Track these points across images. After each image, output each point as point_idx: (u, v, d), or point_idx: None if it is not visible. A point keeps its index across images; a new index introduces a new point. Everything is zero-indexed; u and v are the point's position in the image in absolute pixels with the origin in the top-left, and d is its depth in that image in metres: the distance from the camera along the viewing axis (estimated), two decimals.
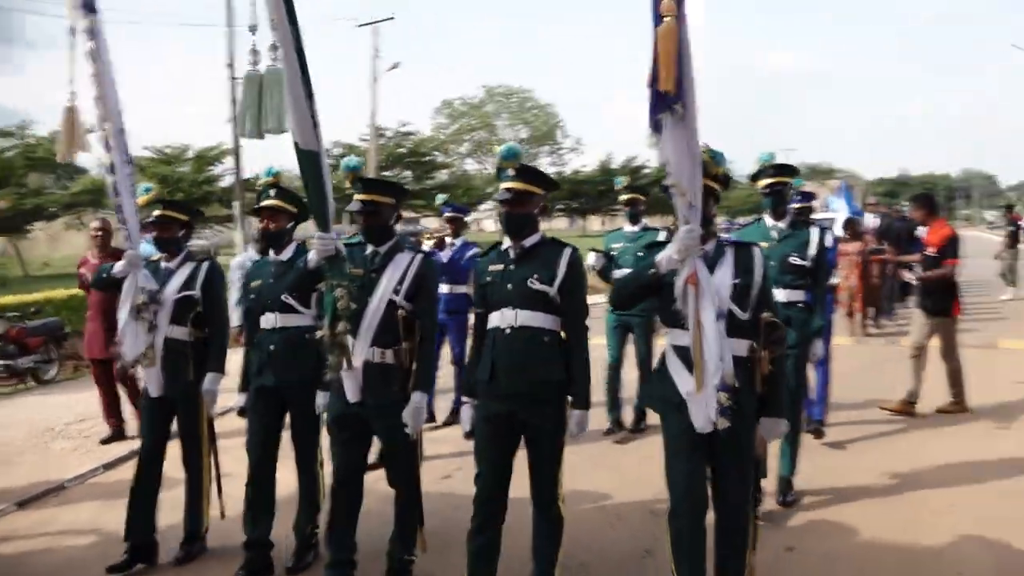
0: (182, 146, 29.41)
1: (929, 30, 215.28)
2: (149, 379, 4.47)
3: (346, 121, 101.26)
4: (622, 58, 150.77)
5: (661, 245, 3.46)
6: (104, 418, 7.12)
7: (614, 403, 6.73)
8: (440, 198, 7.91)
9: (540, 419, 3.63)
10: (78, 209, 28.33)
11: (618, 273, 6.31)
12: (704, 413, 3.22)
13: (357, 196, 3.92)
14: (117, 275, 4.45)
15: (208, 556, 4.54)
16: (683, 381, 3.33)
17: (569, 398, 3.68)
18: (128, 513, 4.41)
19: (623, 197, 6.97)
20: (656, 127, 3.14)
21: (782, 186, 5.03)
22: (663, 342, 3.58)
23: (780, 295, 4.70)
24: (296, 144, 3.51)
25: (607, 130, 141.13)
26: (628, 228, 6.91)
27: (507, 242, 3.77)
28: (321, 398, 4.17)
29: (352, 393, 3.81)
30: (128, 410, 7.06)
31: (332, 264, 3.70)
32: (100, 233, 7.08)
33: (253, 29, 3.65)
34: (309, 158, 3.57)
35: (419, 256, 4.01)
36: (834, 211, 17.02)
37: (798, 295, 4.90)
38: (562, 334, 3.67)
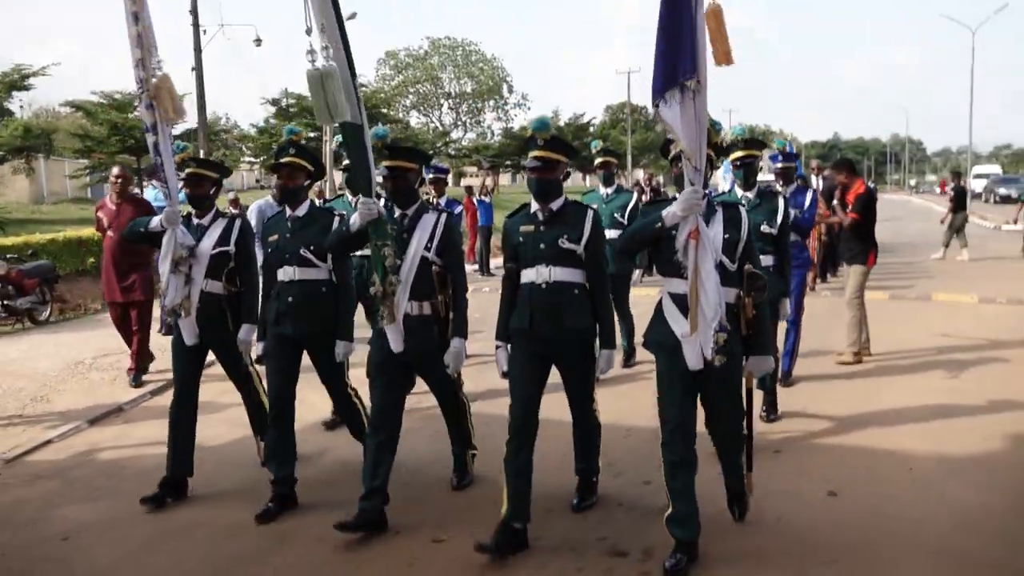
0: (132, 93, 28.85)
1: None
2: (185, 329, 4.65)
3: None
4: (568, 16, 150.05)
5: (661, 203, 3.81)
6: (130, 357, 7.30)
7: None
8: None
9: (574, 359, 4.11)
10: (27, 153, 27.73)
11: None
12: (697, 352, 3.59)
13: (384, 162, 4.21)
14: (153, 230, 4.67)
15: (235, 492, 4.75)
16: (678, 325, 3.67)
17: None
18: (168, 451, 4.62)
19: (598, 160, 7.33)
20: (660, 97, 3.42)
21: (752, 159, 5.30)
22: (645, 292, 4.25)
23: None
24: (342, 121, 3.90)
25: (553, 84, 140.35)
26: (603, 190, 7.32)
27: (535, 205, 4.09)
28: (340, 347, 4.50)
29: (396, 343, 4.15)
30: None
31: (376, 226, 4.05)
32: (119, 179, 7.38)
33: (308, 31, 3.93)
34: (354, 130, 4.00)
35: (444, 215, 4.31)
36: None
37: (768, 260, 5.12)
38: (586, 285, 4.06)
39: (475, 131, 65.21)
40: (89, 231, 13.28)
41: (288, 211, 4.58)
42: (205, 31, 20.82)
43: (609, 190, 7.27)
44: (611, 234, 6.29)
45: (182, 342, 4.66)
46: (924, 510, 4.20)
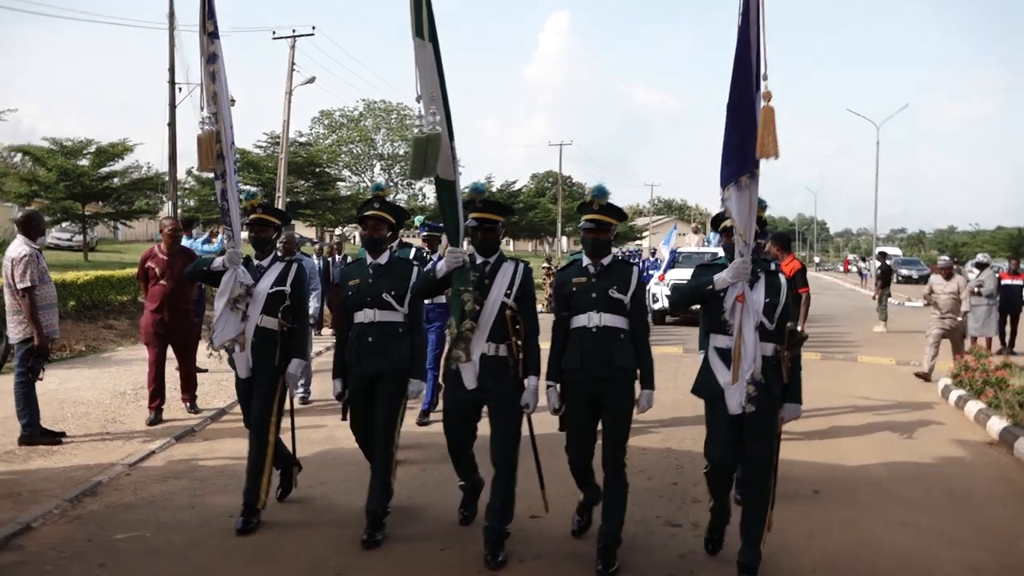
0: (84, 140, 29.12)
1: (781, 89, 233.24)
2: (238, 362, 4.96)
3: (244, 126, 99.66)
4: (494, 93, 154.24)
5: (712, 267, 4.32)
6: (148, 402, 7.62)
7: None
8: (418, 219, 8.47)
9: (619, 397, 4.44)
10: None
11: None
12: (737, 400, 4.07)
13: (475, 214, 4.51)
14: (215, 269, 4.97)
15: (315, 521, 5.07)
16: (722, 375, 4.17)
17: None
18: (247, 479, 4.93)
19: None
20: (725, 184, 3.98)
21: None
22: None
23: None
24: (436, 176, 4.28)
25: (480, 152, 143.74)
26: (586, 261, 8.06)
27: (585, 260, 4.53)
28: (414, 384, 4.80)
29: (469, 381, 4.45)
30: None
31: (460, 273, 4.37)
32: (171, 230, 7.86)
33: (419, 99, 4.18)
34: (448, 186, 4.34)
35: (521, 265, 4.60)
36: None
37: None
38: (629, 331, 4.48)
39: (406, 193, 66.28)
40: (72, 274, 13.78)
41: (369, 258, 4.90)
42: (181, 88, 21.57)
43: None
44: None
45: (238, 377, 5.05)
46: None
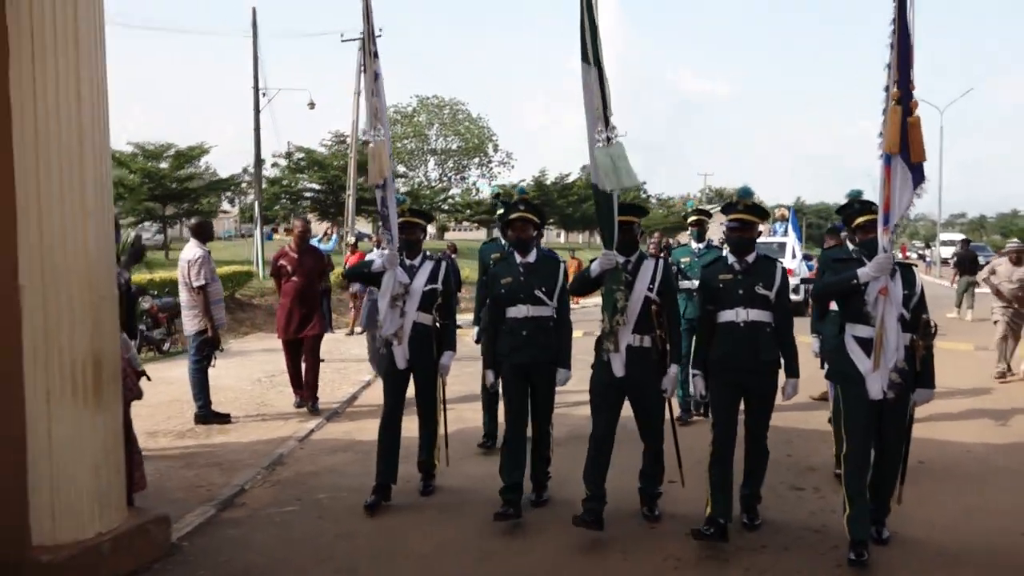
0: (164, 144, 30.52)
1: (838, 75, 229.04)
2: (397, 355, 5.28)
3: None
4: (538, 72, 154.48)
5: (848, 261, 4.53)
6: (292, 388, 8.27)
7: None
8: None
9: (764, 386, 4.77)
10: None
11: (684, 283, 7.36)
12: (879, 385, 4.29)
13: (621, 217, 4.72)
14: (376, 270, 5.26)
15: (448, 493, 5.58)
16: (863, 363, 4.36)
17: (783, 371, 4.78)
18: (377, 461, 5.28)
19: (691, 219, 8.14)
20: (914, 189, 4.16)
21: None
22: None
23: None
24: (595, 185, 4.67)
25: (531, 144, 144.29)
26: (695, 245, 7.96)
27: (731, 258, 4.83)
28: (562, 374, 5.09)
29: (618, 369, 4.72)
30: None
31: (612, 273, 4.69)
32: (301, 230, 8.46)
33: (607, 121, 4.62)
34: (605, 196, 4.66)
35: (661, 261, 4.88)
36: (783, 237, 20.04)
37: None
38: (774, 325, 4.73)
39: (460, 187, 67.34)
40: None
41: (519, 257, 5.18)
42: (265, 93, 22.61)
43: (701, 245, 7.94)
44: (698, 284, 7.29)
45: (394, 367, 5.32)
46: None
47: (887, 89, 4.14)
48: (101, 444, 4.12)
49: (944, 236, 45.81)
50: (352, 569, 4.40)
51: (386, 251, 5.29)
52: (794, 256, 18.04)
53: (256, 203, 22.77)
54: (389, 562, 4.52)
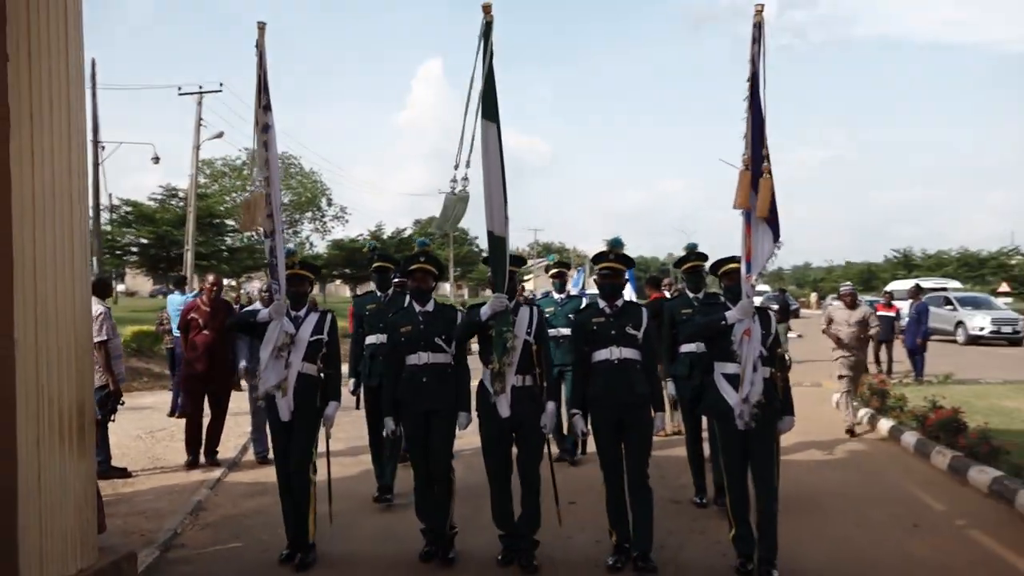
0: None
1: (653, 134, 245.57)
2: (281, 406, 5.24)
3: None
4: (365, 133, 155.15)
5: (713, 306, 5.20)
6: (185, 446, 8.27)
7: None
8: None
9: (639, 420, 5.10)
10: None
11: (551, 331, 7.28)
12: (745, 418, 4.82)
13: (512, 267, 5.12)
14: (262, 320, 5.35)
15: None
16: (730, 396, 4.91)
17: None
18: (284, 522, 5.37)
19: (552, 271, 8.50)
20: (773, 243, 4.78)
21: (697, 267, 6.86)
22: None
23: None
24: (490, 232, 4.92)
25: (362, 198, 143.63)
26: (556, 295, 8.35)
27: (602, 303, 5.23)
28: (463, 417, 5.24)
29: (504, 410, 5.03)
30: None
31: (502, 316, 4.99)
32: (214, 287, 8.59)
33: (456, 166, 4.86)
34: (499, 242, 4.95)
35: (535, 308, 5.27)
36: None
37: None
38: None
39: (292, 242, 66.04)
40: None
41: (418, 306, 5.38)
42: (104, 147, 21.94)
43: (562, 296, 8.37)
44: (564, 332, 7.66)
45: (278, 420, 5.30)
46: None
47: (742, 155, 4.74)
48: (83, 487, 4.43)
49: (780, 287, 49.21)
50: None
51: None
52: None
53: (94, 259, 21.84)
54: None
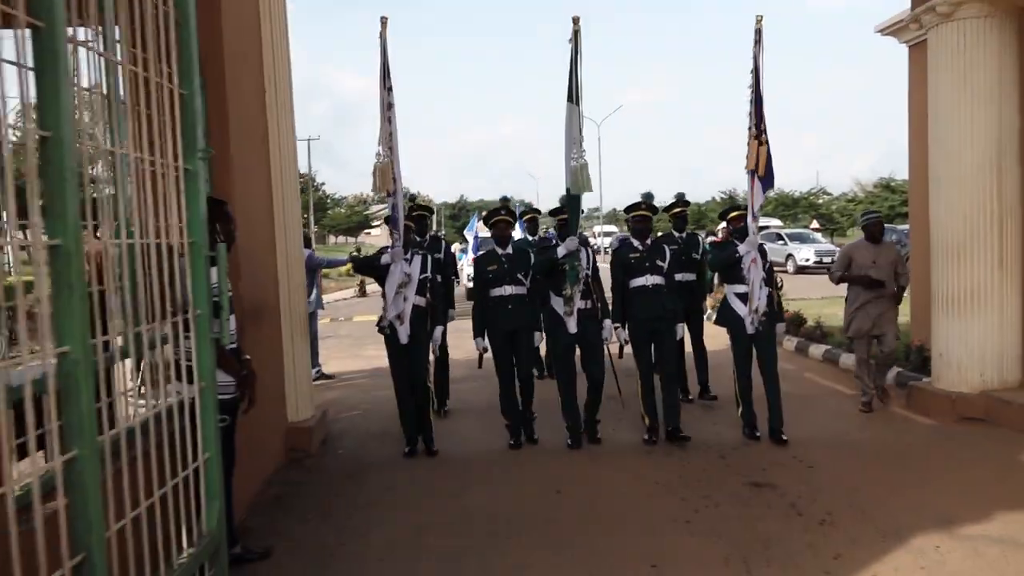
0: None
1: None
2: (401, 332, 6.00)
3: None
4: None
5: (727, 244, 6.31)
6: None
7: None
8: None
9: (668, 330, 6.19)
10: None
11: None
12: (753, 324, 6.04)
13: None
14: (384, 263, 6.04)
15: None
16: (741, 310, 6.11)
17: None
18: (403, 425, 6.23)
19: (526, 216, 9.12)
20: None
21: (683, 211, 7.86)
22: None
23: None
24: (568, 189, 5.93)
25: None
26: (530, 237, 8.78)
27: (635, 241, 6.22)
28: (537, 336, 6.31)
29: (572, 327, 6.02)
30: None
31: (575, 253, 5.98)
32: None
33: (575, 138, 5.83)
34: (575, 200, 6.00)
35: (591, 248, 6.31)
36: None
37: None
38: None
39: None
40: None
41: (499, 250, 6.31)
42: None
43: (534, 237, 8.85)
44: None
45: (398, 342, 6.05)
46: None
47: (749, 128, 5.92)
48: (306, 366, 6.70)
49: (598, 228, 49.79)
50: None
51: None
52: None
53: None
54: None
